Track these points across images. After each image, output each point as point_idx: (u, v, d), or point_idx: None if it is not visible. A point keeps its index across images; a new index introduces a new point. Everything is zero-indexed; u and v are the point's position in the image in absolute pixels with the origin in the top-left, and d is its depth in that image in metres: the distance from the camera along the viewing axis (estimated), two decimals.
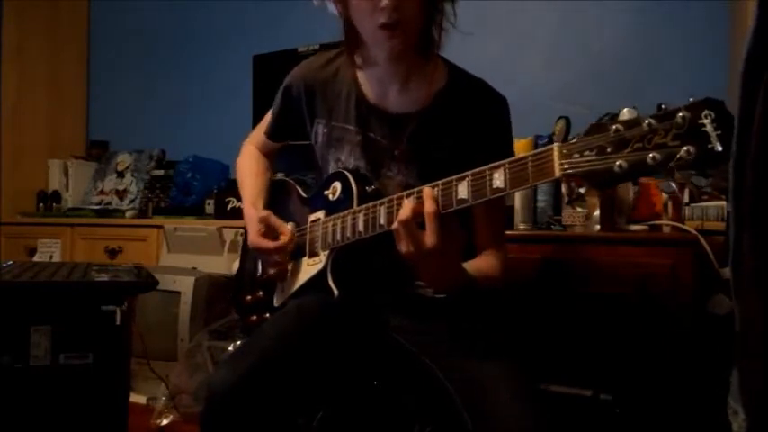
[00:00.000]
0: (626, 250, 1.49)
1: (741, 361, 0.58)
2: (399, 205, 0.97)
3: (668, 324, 1.41)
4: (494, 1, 2.34)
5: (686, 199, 1.57)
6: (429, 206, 0.91)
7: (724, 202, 1.47)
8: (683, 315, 1.40)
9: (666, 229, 1.55)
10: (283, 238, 1.18)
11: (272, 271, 1.22)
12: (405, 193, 0.97)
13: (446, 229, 0.91)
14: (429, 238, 0.91)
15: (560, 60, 2.28)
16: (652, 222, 1.58)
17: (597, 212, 1.57)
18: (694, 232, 1.42)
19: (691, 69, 2.05)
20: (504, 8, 2.36)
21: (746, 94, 0.56)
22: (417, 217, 0.92)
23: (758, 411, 0.56)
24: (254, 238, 1.20)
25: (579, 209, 1.59)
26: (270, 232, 1.20)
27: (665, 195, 1.59)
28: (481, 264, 1.11)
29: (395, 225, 0.94)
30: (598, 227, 1.57)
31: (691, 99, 0.68)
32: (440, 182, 0.93)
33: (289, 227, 1.20)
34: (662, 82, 2.09)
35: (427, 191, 0.92)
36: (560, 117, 1.89)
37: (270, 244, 1.18)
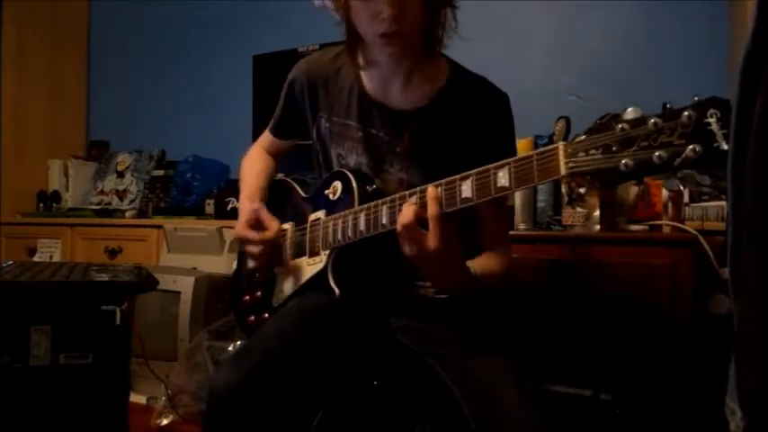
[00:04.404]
0: (626, 250, 1.49)
1: (739, 361, 0.58)
2: (402, 204, 0.97)
3: (668, 324, 1.41)
4: (494, 1, 2.34)
5: (686, 199, 1.57)
6: (432, 208, 0.91)
7: (724, 203, 1.47)
8: (683, 315, 1.40)
9: (666, 229, 1.55)
10: (268, 233, 1.18)
11: (251, 264, 1.22)
12: (407, 192, 0.98)
13: (449, 229, 0.91)
14: (432, 240, 0.91)
15: (560, 60, 2.28)
16: (652, 222, 1.58)
17: (597, 212, 1.57)
18: (694, 232, 1.42)
19: (691, 69, 2.05)
20: (504, 8, 2.36)
21: (744, 93, 0.56)
22: (419, 220, 0.92)
23: (756, 411, 0.56)
24: (240, 228, 1.21)
25: (579, 209, 1.59)
26: (258, 225, 1.20)
27: (665, 195, 1.59)
28: (485, 262, 1.11)
29: (397, 228, 0.94)
30: (598, 227, 1.57)
31: (696, 98, 0.68)
32: (443, 181, 0.93)
33: (277, 223, 1.20)
34: (662, 82, 2.09)
35: (431, 191, 0.92)
36: (560, 117, 1.89)
37: (254, 235, 1.18)
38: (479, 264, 1.07)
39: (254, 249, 1.20)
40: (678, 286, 1.41)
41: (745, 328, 0.55)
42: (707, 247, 1.38)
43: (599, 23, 2.22)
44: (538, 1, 2.31)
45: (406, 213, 0.93)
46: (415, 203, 0.94)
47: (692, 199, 1.57)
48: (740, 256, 0.54)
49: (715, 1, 2.00)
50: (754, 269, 0.54)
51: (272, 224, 1.19)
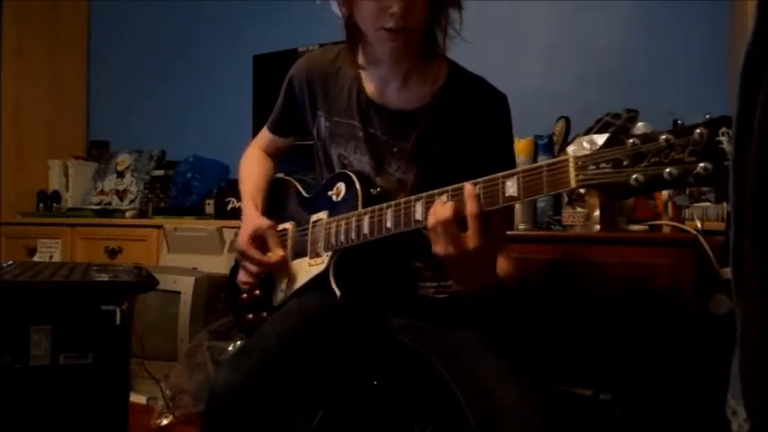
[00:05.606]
0: (626, 250, 1.49)
1: (743, 362, 0.58)
2: (407, 209, 0.97)
3: (668, 324, 1.41)
4: (494, 1, 2.34)
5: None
6: (471, 206, 0.88)
7: (724, 203, 1.47)
8: (683, 315, 1.40)
9: (666, 229, 1.55)
10: (271, 257, 1.17)
11: (244, 278, 1.21)
12: (413, 198, 0.98)
13: (488, 229, 0.90)
14: (472, 239, 0.89)
15: (560, 60, 2.28)
16: (652, 222, 1.58)
17: (597, 212, 1.57)
18: (694, 232, 1.42)
19: (691, 69, 2.05)
20: (504, 8, 2.36)
21: (745, 95, 0.56)
22: (459, 217, 0.90)
23: (760, 412, 0.56)
24: (244, 242, 1.19)
25: (579, 209, 1.59)
26: (261, 241, 1.19)
27: (665, 195, 1.59)
28: (502, 265, 1.10)
29: (430, 225, 0.92)
30: (598, 227, 1.57)
31: (707, 116, 0.68)
32: (449, 188, 0.92)
33: (282, 252, 1.18)
34: (662, 82, 2.09)
35: (468, 189, 0.89)
36: (560, 117, 1.89)
37: (257, 255, 1.17)
38: (499, 266, 1.06)
39: (251, 268, 1.19)
40: (678, 286, 1.41)
41: (749, 329, 0.55)
42: (707, 247, 1.38)
43: (599, 23, 2.22)
44: (538, 1, 2.30)
45: (444, 210, 0.90)
46: (449, 201, 0.91)
47: (693, 199, 1.57)
48: (743, 257, 0.54)
49: (715, 1, 2.00)
50: (755, 269, 0.54)
51: (278, 251, 1.18)
